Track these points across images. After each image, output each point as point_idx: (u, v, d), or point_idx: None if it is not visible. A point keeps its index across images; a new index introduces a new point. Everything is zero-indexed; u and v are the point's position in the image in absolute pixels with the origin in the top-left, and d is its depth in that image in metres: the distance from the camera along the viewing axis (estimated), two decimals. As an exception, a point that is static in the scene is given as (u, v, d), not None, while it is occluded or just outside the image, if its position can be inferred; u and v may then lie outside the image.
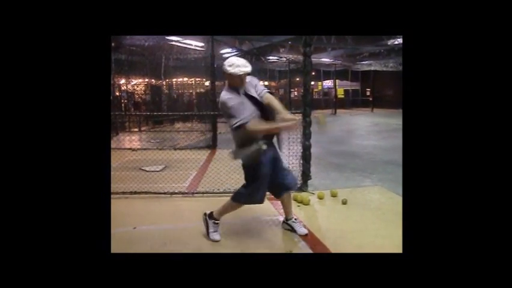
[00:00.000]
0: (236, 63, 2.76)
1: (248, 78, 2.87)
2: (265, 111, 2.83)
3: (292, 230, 3.21)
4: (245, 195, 3.00)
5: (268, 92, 2.93)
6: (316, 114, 2.96)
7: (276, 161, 2.99)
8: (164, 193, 4.34)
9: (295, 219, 3.28)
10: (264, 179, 2.92)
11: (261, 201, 3.01)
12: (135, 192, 4.34)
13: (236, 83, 2.80)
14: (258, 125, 2.77)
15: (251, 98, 2.82)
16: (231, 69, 2.75)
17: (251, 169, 2.91)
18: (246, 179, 3.00)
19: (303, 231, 3.17)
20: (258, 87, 2.92)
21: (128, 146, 8.59)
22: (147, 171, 5.75)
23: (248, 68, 2.79)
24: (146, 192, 4.35)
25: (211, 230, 3.06)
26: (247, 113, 2.73)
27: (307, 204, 4.00)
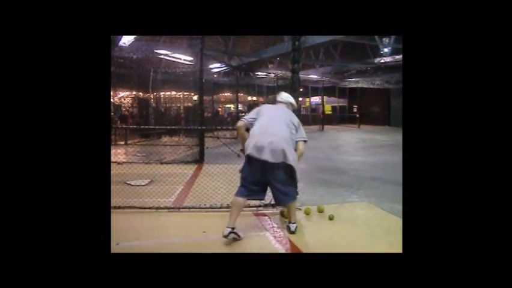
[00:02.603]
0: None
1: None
2: None
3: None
4: (241, 189, 3.44)
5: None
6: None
7: (268, 175, 3.33)
8: (150, 208, 4.25)
9: (292, 222, 3.60)
10: (244, 179, 3.40)
11: (240, 196, 3.39)
12: (119, 207, 4.24)
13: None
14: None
15: None
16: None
17: (245, 164, 3.42)
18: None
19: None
20: None
21: (114, 159, 8.45)
22: (132, 185, 5.65)
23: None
24: (130, 207, 4.26)
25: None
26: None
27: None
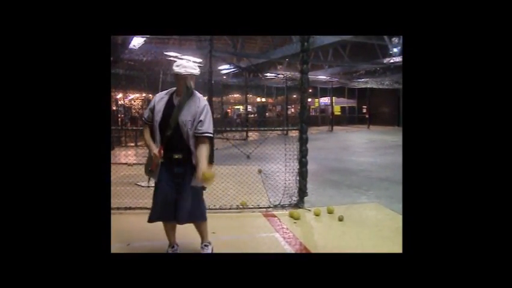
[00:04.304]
0: (183, 64, 2.66)
1: (204, 101, 2.75)
2: (176, 134, 2.63)
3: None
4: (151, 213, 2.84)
5: (206, 136, 2.66)
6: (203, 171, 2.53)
7: (180, 186, 2.71)
8: (160, 209, 4.28)
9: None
10: (159, 197, 2.76)
11: (153, 219, 2.82)
12: (130, 208, 4.29)
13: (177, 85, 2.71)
14: (147, 134, 2.75)
15: (171, 106, 2.68)
16: (177, 69, 2.64)
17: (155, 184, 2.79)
18: None
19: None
20: (200, 119, 2.65)
21: (124, 160, 8.53)
22: (142, 186, 5.69)
23: (195, 70, 2.69)
24: (141, 208, 4.29)
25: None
26: (146, 114, 2.77)
27: (297, 218, 4.01)
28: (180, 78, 2.65)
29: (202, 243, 3.01)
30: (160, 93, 2.84)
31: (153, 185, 2.83)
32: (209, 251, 2.99)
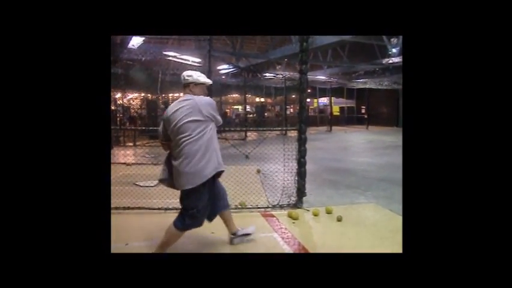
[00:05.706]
0: (202, 75, 2.94)
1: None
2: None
3: (246, 235, 3.26)
4: (193, 223, 2.88)
5: None
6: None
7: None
8: (158, 209, 4.29)
9: (241, 228, 3.26)
10: (207, 201, 2.90)
11: (201, 224, 2.95)
12: (128, 208, 4.28)
13: (201, 93, 2.90)
14: None
15: None
16: (202, 79, 2.91)
17: (198, 193, 2.80)
18: (189, 205, 2.85)
19: (252, 229, 3.31)
20: None
21: (123, 160, 8.53)
22: (141, 186, 5.70)
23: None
24: (139, 208, 4.30)
25: None
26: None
27: (296, 218, 4.01)
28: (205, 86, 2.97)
29: (235, 232, 3.22)
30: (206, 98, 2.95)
31: (152, 185, 2.86)
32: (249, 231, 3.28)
